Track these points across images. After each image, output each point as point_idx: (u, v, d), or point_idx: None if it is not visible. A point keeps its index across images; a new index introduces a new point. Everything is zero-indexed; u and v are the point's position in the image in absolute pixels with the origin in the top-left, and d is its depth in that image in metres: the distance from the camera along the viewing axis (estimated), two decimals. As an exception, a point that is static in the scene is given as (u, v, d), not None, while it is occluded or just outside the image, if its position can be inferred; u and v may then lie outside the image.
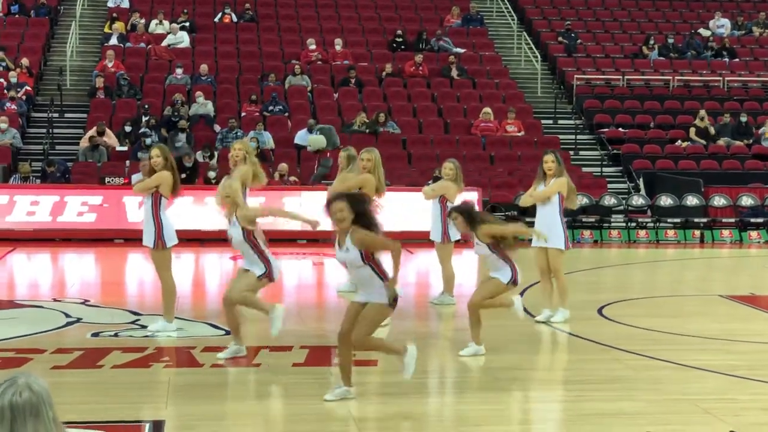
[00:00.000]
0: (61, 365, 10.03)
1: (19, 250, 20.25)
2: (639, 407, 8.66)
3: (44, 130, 26.13)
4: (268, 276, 10.37)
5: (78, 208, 21.78)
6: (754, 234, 24.27)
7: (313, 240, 20.90)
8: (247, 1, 32.27)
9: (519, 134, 27.08)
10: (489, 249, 10.45)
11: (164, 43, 30.08)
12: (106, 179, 22.61)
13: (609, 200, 24.54)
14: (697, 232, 24.15)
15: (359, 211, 8.21)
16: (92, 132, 24.69)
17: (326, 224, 9.20)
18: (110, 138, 24.73)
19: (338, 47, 30.26)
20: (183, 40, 30.25)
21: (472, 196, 22.60)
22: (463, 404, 9.02)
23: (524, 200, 13.04)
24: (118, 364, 10.19)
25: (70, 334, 11.78)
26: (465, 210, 10.54)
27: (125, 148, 24.68)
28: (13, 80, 26.85)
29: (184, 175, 21.22)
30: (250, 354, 10.63)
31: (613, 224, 24.27)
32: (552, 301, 12.75)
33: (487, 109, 27.26)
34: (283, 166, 23.22)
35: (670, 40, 32.72)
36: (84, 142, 24.64)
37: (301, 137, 25.29)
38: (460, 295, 13.73)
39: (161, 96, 27.50)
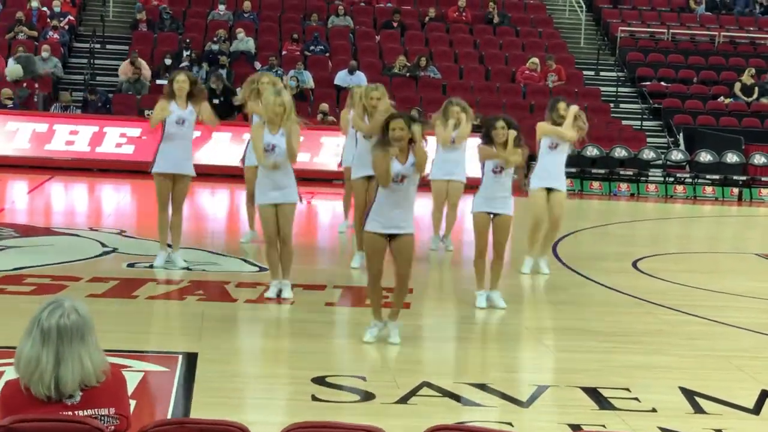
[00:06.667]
0: (96, 294, 10.10)
1: (57, 178, 20.35)
2: (671, 362, 8.65)
3: (85, 61, 26.15)
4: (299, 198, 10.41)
5: (117, 139, 21.86)
6: (793, 194, 24.08)
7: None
8: (292, -62, 32.02)
9: (559, 83, 26.83)
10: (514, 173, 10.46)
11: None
12: (146, 112, 22.62)
13: (648, 154, 24.37)
14: (736, 190, 23.96)
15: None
16: (127, 64, 24.60)
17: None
18: (144, 69, 24.61)
19: (382, -11, 30.07)
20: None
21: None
22: (495, 351, 9.04)
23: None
24: (153, 295, 10.27)
25: (106, 263, 11.86)
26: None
27: (165, 82, 24.59)
28: (57, 9, 26.81)
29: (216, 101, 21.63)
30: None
31: (650, 178, 24.12)
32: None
33: (535, 59, 26.99)
34: (324, 106, 23.21)
35: (718, -5, 32.32)
36: (122, 74, 24.59)
37: (342, 78, 25.20)
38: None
39: (203, 31, 27.41)
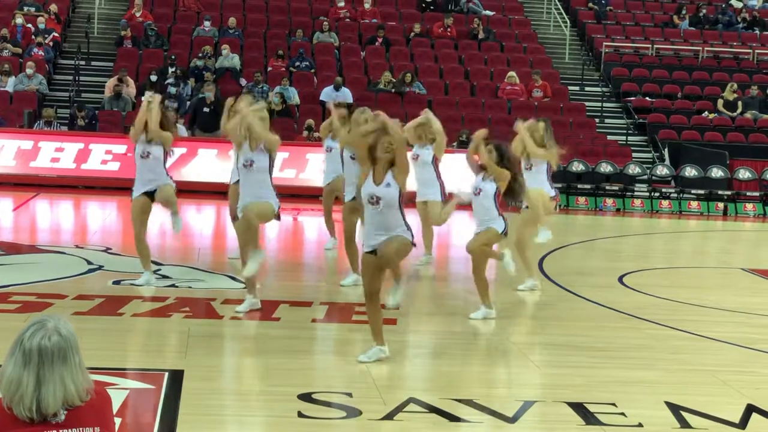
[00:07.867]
0: (82, 311, 10.07)
1: (42, 195, 20.30)
2: (657, 376, 8.66)
3: (70, 78, 26.13)
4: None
5: (102, 156, 21.83)
6: (777, 208, 24.16)
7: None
8: (277, -45, 32.08)
9: (545, 100, 26.93)
10: (494, 196, 10.48)
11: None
12: (131, 128, 22.56)
13: (633, 169, 24.44)
14: (721, 205, 24.03)
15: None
16: (114, 80, 24.63)
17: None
18: (130, 86, 24.63)
19: (367, 6, 30.10)
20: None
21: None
22: (480, 367, 9.03)
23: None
24: (139, 313, 10.24)
25: (92, 281, 11.83)
26: (501, 147, 10.70)
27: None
28: (41, 26, 26.81)
29: (206, 110, 21.66)
30: (271, 308, 10.65)
31: (636, 193, 24.18)
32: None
33: (512, 73, 27.08)
34: (310, 122, 23.25)
35: (702, 11, 32.42)
36: (108, 91, 24.61)
37: (327, 94, 25.23)
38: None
39: (188, 47, 27.43)
